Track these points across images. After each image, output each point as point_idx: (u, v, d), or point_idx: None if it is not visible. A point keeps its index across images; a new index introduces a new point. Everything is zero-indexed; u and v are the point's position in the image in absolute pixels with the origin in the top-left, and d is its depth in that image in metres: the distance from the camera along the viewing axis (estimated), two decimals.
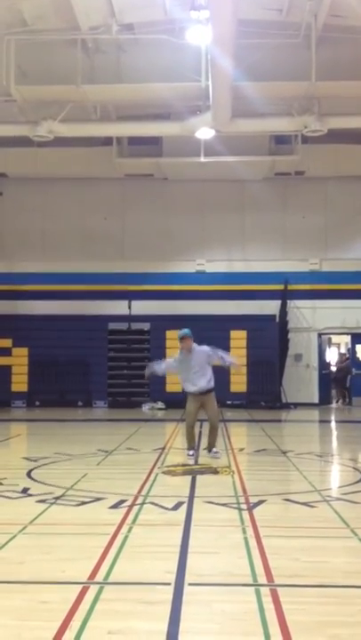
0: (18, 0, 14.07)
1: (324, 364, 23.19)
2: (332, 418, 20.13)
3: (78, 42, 15.53)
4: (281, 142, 20.97)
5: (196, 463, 9.83)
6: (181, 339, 10.14)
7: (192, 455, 10.04)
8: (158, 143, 20.85)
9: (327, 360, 23.74)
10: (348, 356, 24.28)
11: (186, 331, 10.19)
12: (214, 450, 10.23)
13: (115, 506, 6.94)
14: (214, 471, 9.15)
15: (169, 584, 4.57)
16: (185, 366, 10.10)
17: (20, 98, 16.07)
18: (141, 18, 15.34)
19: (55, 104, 16.26)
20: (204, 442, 10.62)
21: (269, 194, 22.23)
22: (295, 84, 15.58)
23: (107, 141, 20.69)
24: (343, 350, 26.72)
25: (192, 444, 10.19)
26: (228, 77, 14.05)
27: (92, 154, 21.02)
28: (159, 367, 10.76)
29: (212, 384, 10.16)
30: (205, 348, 10.19)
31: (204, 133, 17.19)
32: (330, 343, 24.13)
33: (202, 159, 19.31)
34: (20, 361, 21.95)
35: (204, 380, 10.05)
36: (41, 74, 16.13)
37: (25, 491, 7.74)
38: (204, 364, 10.07)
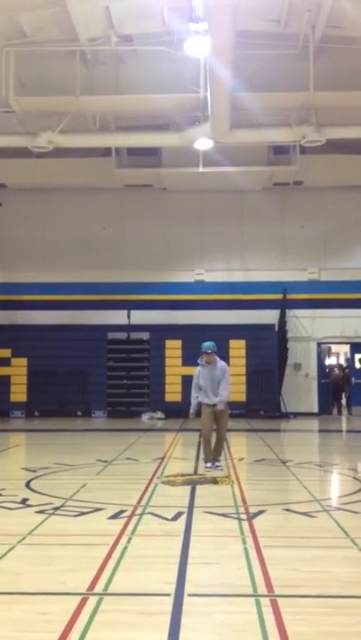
0: (17, 11, 14.14)
1: (323, 374, 23.17)
2: (332, 427, 20.09)
3: (77, 53, 15.60)
4: (279, 153, 21.05)
5: (196, 473, 9.81)
6: (206, 353, 10.30)
7: (210, 467, 10.09)
8: (157, 154, 20.93)
9: (327, 370, 23.72)
10: (337, 366, 24.29)
11: (211, 344, 10.33)
12: (217, 463, 10.31)
13: (114, 516, 6.92)
14: (214, 481, 9.13)
15: (169, 595, 4.56)
16: (207, 378, 10.28)
17: (19, 109, 16.13)
18: (140, 29, 15.42)
19: (54, 115, 16.32)
20: (201, 452, 10.65)
21: (268, 204, 22.30)
22: (293, 95, 15.65)
23: (106, 152, 20.76)
24: (333, 361, 26.68)
25: (210, 457, 10.26)
26: (227, 88, 14.13)
27: (91, 164, 21.08)
28: (195, 398, 10.52)
29: (226, 399, 10.35)
30: (225, 366, 10.44)
31: (203, 144, 17.25)
32: (330, 353, 24.10)
33: (201, 169, 19.37)
34: (19, 371, 21.94)
35: (221, 396, 10.26)
36: (40, 85, 16.20)
37: (24, 501, 7.72)
38: (219, 379, 10.29)
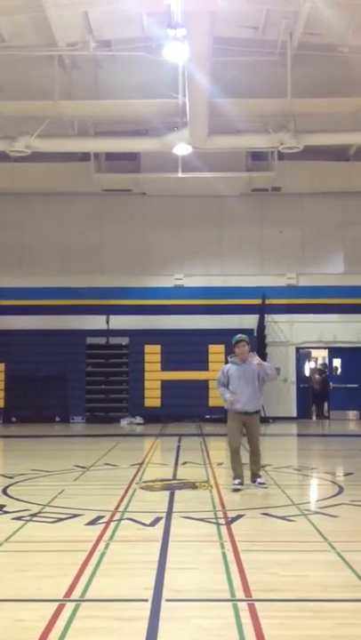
0: None
1: (303, 378, 23.25)
2: (311, 432, 20.17)
3: (55, 58, 15.59)
4: (258, 159, 21.17)
5: (174, 478, 9.78)
6: (236, 343, 9.01)
7: (238, 484, 8.85)
8: (136, 159, 20.94)
9: (307, 374, 23.81)
10: (317, 371, 24.39)
11: (242, 335, 9.15)
12: (259, 480, 9.04)
13: (92, 522, 6.89)
14: (192, 486, 9.12)
15: (146, 600, 4.54)
16: (237, 378, 8.94)
17: None
18: (119, 35, 15.44)
19: (32, 119, 16.27)
20: (184, 457, 10.59)
21: (247, 209, 22.39)
22: (271, 102, 15.76)
23: (84, 157, 20.72)
24: (313, 366, 26.76)
25: (238, 472, 9.00)
26: (205, 94, 14.19)
27: (69, 169, 21.03)
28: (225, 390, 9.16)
29: (260, 405, 9.21)
30: (259, 360, 9.18)
31: (182, 149, 17.30)
32: (310, 357, 24.20)
33: (180, 175, 19.40)
34: None
35: (256, 399, 9.00)
36: (18, 89, 16.16)
37: (1, 508, 7.66)
38: (255, 378, 8.98)
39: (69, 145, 17.86)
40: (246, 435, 9.12)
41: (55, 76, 15.57)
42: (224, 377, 9.06)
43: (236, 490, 8.71)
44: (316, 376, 23.98)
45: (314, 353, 24.57)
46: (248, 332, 22.07)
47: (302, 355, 23.24)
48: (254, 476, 9.08)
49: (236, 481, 8.91)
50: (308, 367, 23.99)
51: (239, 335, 9.15)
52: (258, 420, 9.15)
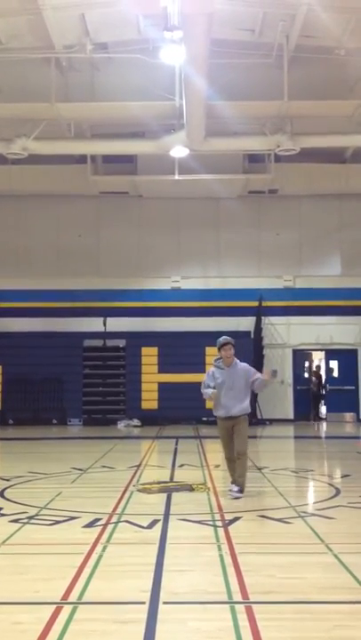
0: None
1: (303, 380, 23.20)
2: (308, 434, 20.19)
3: (52, 60, 15.58)
4: (254, 161, 21.20)
5: (172, 480, 9.78)
6: (222, 346, 8.58)
7: (237, 492, 8.53)
8: (133, 161, 20.95)
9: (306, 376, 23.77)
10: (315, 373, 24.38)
11: (227, 337, 8.67)
12: (233, 489, 8.55)
13: (89, 525, 6.88)
14: (190, 488, 9.12)
15: (143, 603, 4.54)
16: (221, 383, 8.57)
17: None
18: (115, 37, 15.45)
19: (29, 122, 16.27)
20: (181, 459, 10.58)
21: (244, 211, 22.42)
22: (268, 104, 15.79)
23: (81, 159, 20.73)
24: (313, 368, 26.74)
25: (234, 478, 8.75)
26: (202, 97, 14.20)
27: (66, 171, 21.03)
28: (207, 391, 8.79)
29: (248, 409, 8.67)
30: (246, 365, 8.79)
31: (179, 152, 17.31)
32: (311, 360, 24.12)
33: (176, 177, 19.43)
34: None
35: (241, 403, 8.56)
36: (15, 91, 16.15)
37: None
38: (243, 384, 8.58)
39: (66, 147, 17.86)
40: (234, 439, 8.68)
41: (52, 78, 15.58)
42: (210, 379, 8.69)
43: (236, 498, 8.41)
44: (313, 378, 23.97)
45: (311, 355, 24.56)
46: (245, 334, 22.22)
47: (300, 357, 23.22)
48: (233, 482, 8.65)
49: (235, 488, 8.61)
50: (308, 369, 23.93)
51: (224, 337, 8.68)
52: (245, 423, 8.66)
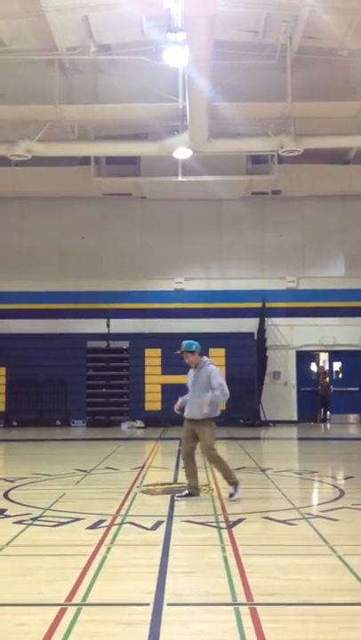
0: None
1: (306, 382, 23.15)
2: (311, 435, 20.17)
3: (56, 62, 15.62)
4: (258, 162, 21.21)
5: (175, 482, 9.78)
6: (181, 352, 8.60)
7: (183, 495, 8.48)
8: (136, 162, 20.98)
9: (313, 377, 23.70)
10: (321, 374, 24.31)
11: (185, 343, 8.59)
12: (230, 491, 8.41)
13: (93, 526, 6.88)
14: None
15: (148, 604, 4.53)
16: (190, 384, 8.60)
17: None
18: (119, 39, 15.48)
19: (33, 124, 16.30)
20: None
21: (247, 213, 22.42)
22: (271, 105, 15.79)
23: (85, 161, 20.76)
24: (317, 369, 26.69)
25: (188, 481, 8.59)
26: (205, 98, 14.22)
27: (70, 173, 21.06)
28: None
29: (207, 414, 8.35)
30: (213, 371, 8.51)
31: (182, 153, 17.33)
32: (317, 361, 24.04)
33: (180, 178, 19.45)
34: None
35: (195, 409, 8.39)
36: (19, 94, 16.18)
37: (2, 512, 7.65)
38: (203, 386, 8.41)
39: (70, 149, 17.90)
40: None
41: (55, 80, 15.61)
42: (188, 379, 8.72)
43: (231, 495, 8.33)
44: (321, 380, 23.89)
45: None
46: (248, 335, 22.22)
47: (304, 358, 23.16)
48: (228, 481, 8.50)
49: (184, 492, 8.54)
50: (314, 370, 23.83)
51: (184, 342, 8.60)
52: (206, 429, 8.38)
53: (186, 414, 8.57)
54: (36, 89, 16.01)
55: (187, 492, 8.55)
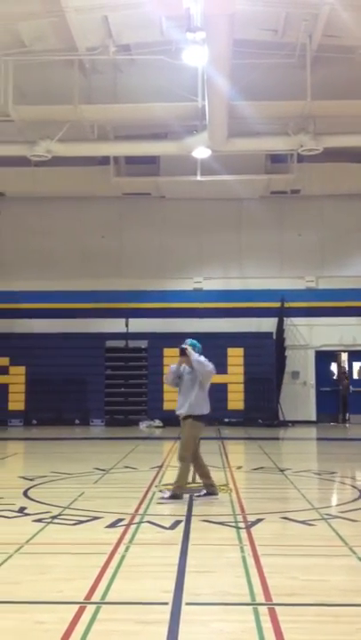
0: (16, 21, 14.22)
1: (326, 382, 23.01)
2: (330, 435, 20.06)
3: (76, 62, 15.68)
4: (277, 161, 21.13)
5: (194, 481, 9.77)
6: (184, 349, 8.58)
7: (198, 497, 8.37)
8: (156, 162, 20.99)
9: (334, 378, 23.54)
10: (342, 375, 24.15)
11: (190, 341, 8.67)
12: (164, 493, 8.43)
13: (112, 525, 6.90)
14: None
15: (166, 604, 4.54)
16: (181, 383, 8.63)
17: (18, 118, 16.18)
18: (138, 39, 15.51)
19: (53, 124, 16.38)
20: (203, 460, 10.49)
21: (266, 212, 22.36)
22: (291, 104, 15.74)
23: (104, 160, 20.82)
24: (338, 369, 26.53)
25: (203, 482, 8.57)
26: (224, 97, 14.19)
27: (89, 173, 21.13)
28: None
29: (189, 410, 8.36)
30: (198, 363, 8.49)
31: (201, 152, 17.31)
32: (339, 361, 23.84)
33: (199, 178, 19.44)
34: (17, 379, 21.91)
35: (182, 407, 8.44)
36: (39, 94, 16.27)
37: (22, 510, 7.69)
38: (190, 384, 8.46)
39: (89, 149, 17.95)
40: None
41: (75, 80, 15.67)
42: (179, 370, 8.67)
43: (199, 497, 8.33)
44: (343, 380, 23.72)
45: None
46: (267, 335, 22.16)
47: (323, 358, 23.03)
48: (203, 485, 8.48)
49: (202, 492, 8.50)
50: (334, 370, 23.66)
51: (190, 341, 8.66)
52: (188, 429, 8.36)
53: (176, 412, 8.58)
54: (56, 89, 16.09)
55: (205, 491, 8.53)
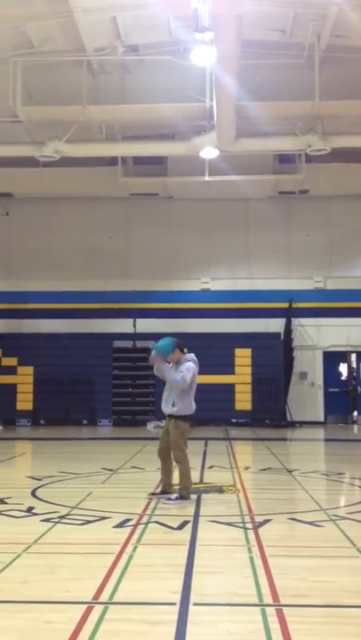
0: (24, 22, 14.25)
1: (334, 383, 22.94)
2: (338, 436, 20.01)
3: (84, 63, 15.70)
4: (285, 161, 21.09)
5: (201, 481, 9.77)
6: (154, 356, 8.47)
7: (152, 495, 8.42)
8: (163, 162, 21.00)
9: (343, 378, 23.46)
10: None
11: (158, 347, 8.48)
12: (171, 495, 8.28)
13: (119, 525, 6.91)
14: (219, 490, 9.10)
15: (174, 604, 4.54)
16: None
17: (26, 118, 16.22)
18: (146, 39, 15.52)
19: (61, 124, 16.40)
20: (210, 460, 10.50)
21: (274, 212, 22.33)
22: (299, 104, 15.71)
23: (112, 161, 20.84)
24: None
25: (162, 478, 8.58)
26: (232, 97, 14.19)
27: (97, 173, 21.16)
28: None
29: (174, 410, 8.42)
30: (187, 364, 8.47)
31: (209, 153, 17.31)
32: (350, 361, 23.75)
33: (206, 178, 19.42)
34: (25, 379, 21.96)
35: (167, 405, 8.53)
36: (47, 95, 16.30)
37: (30, 510, 7.71)
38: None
39: (97, 149, 17.97)
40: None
41: (83, 81, 15.69)
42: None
43: (154, 496, 8.33)
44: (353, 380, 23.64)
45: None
46: (275, 335, 22.13)
47: (331, 358, 22.97)
48: (164, 488, 8.44)
49: (158, 490, 8.49)
50: (343, 371, 23.57)
51: (158, 347, 8.55)
52: (176, 429, 8.40)
53: (162, 409, 8.64)
54: (65, 90, 16.12)
55: (161, 489, 8.48)
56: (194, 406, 8.61)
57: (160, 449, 8.61)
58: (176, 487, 8.54)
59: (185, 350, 8.72)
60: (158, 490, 8.60)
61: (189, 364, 8.46)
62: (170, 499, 8.23)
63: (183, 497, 8.24)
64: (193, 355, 8.67)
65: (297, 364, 22.25)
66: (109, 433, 20.20)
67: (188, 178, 20.12)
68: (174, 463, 8.57)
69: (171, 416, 8.50)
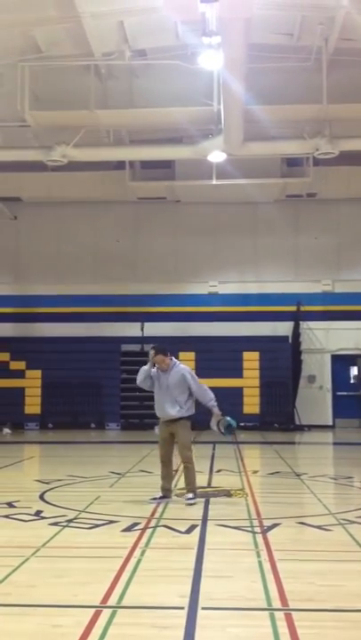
0: (32, 27, 14.31)
1: (343, 386, 22.85)
2: (347, 440, 19.94)
3: (92, 67, 15.75)
4: (293, 165, 21.07)
5: (210, 485, 9.76)
6: (155, 354, 8.58)
7: (153, 500, 8.36)
8: (171, 166, 21.01)
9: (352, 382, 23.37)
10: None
11: (154, 346, 8.76)
12: (187, 495, 8.38)
13: (128, 529, 6.90)
14: (228, 494, 9.08)
15: (182, 608, 4.52)
16: (157, 385, 8.64)
17: (34, 123, 16.27)
18: (154, 43, 15.55)
19: (69, 129, 16.46)
20: (218, 464, 10.50)
21: (281, 216, 22.32)
22: (307, 107, 15.70)
23: (120, 165, 20.87)
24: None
25: (162, 484, 8.55)
26: (240, 101, 14.19)
27: (105, 177, 21.20)
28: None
29: (182, 412, 8.52)
30: (184, 369, 8.68)
31: (217, 156, 17.32)
32: (358, 363, 23.65)
33: (214, 182, 19.42)
34: (33, 383, 22.01)
35: (172, 407, 8.51)
36: (55, 99, 16.35)
37: (38, 513, 7.72)
38: (176, 387, 8.52)
39: (105, 154, 18.02)
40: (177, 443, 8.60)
41: (91, 85, 15.74)
42: (146, 374, 8.71)
43: (190, 505, 8.25)
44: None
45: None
46: (283, 338, 22.10)
47: (339, 362, 22.89)
48: (185, 488, 8.53)
49: (156, 496, 8.47)
50: (354, 374, 23.48)
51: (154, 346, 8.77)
52: (183, 430, 8.50)
53: (160, 415, 8.63)
54: (72, 94, 16.17)
55: (161, 494, 8.49)
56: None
57: (162, 454, 8.61)
58: (181, 490, 8.54)
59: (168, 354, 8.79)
60: (159, 496, 8.54)
61: (184, 370, 8.66)
62: (189, 498, 8.29)
63: (196, 496, 8.32)
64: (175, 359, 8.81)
65: (305, 367, 22.21)
66: (117, 436, 20.20)
67: (196, 182, 20.13)
68: (175, 467, 8.60)
69: (173, 420, 8.53)
